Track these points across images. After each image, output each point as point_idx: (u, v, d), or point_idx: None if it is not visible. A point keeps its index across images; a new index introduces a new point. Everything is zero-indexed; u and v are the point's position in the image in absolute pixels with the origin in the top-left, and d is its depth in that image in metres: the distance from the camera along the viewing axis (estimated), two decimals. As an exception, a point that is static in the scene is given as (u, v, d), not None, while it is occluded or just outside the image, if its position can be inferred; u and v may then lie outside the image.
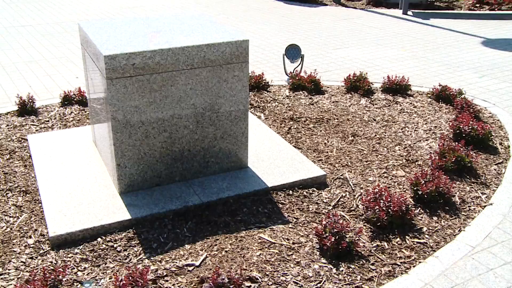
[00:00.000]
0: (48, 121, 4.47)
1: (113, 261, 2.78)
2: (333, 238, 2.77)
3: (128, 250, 2.85)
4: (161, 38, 3.18)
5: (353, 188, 3.49)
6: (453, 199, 3.36)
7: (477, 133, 3.97)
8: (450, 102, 4.88)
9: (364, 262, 2.80)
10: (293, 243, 2.93)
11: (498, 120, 4.60)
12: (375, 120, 4.56)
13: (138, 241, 2.91)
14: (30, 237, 2.94)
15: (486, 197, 3.40)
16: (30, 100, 4.61)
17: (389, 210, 3.03)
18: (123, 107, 3.04)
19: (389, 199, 3.08)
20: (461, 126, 4.04)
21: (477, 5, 9.64)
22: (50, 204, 3.13)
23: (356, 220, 3.17)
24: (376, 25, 8.46)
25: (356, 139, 4.20)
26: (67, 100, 4.82)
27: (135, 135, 3.14)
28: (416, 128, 4.41)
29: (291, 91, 5.19)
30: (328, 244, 2.77)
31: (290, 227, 3.08)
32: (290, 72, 5.38)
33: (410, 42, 7.41)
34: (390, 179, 3.62)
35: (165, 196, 3.24)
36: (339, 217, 3.00)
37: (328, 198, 3.39)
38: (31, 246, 2.87)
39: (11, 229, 3.01)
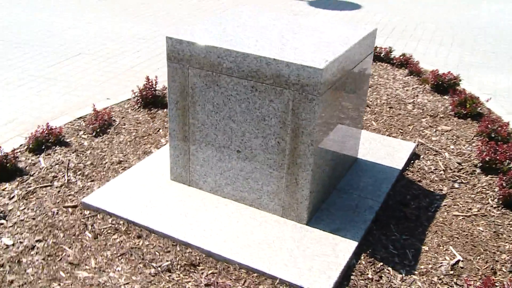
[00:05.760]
0: (56, 176, 3.27)
1: None
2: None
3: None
4: (318, 40, 2.79)
5: (438, 151, 3.82)
6: None
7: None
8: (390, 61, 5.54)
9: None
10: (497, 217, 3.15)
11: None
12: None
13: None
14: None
15: None
16: (12, 156, 3.25)
17: None
18: (320, 124, 2.62)
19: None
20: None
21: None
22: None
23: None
24: (202, -1, 8.39)
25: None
26: (39, 144, 3.55)
27: (320, 153, 2.75)
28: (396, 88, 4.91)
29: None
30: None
31: (466, 192, 3.26)
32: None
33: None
34: (443, 135, 4.08)
35: (345, 210, 2.97)
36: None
37: (432, 165, 3.64)
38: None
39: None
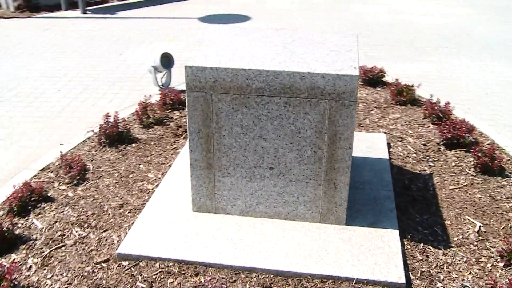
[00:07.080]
0: (63, 234, 2.97)
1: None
2: None
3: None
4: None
5: (402, 137, 4.21)
6: None
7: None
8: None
9: None
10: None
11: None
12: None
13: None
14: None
15: None
16: (10, 223, 2.87)
17: None
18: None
19: None
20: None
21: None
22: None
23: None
24: (89, 28, 7.99)
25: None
26: (24, 205, 3.18)
27: (350, 155, 2.92)
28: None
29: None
30: None
31: (444, 168, 3.65)
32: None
33: (155, 35, 7.60)
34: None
35: (368, 204, 3.17)
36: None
37: (405, 150, 4.01)
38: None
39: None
